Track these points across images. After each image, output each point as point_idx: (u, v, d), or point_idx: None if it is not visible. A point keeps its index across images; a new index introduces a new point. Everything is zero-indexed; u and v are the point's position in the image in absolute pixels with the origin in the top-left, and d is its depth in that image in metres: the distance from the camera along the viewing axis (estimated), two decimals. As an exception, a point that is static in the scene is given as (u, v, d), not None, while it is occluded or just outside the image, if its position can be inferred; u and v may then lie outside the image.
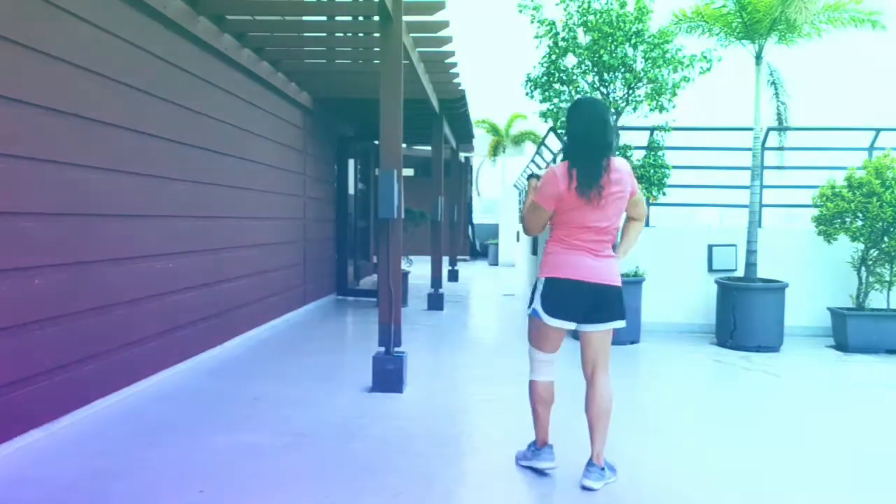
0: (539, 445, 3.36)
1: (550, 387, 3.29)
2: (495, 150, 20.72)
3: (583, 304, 3.12)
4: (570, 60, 6.68)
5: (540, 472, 3.30)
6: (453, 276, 12.92)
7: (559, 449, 3.36)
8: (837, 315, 6.75)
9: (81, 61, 3.91)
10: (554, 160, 9.41)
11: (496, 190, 20.79)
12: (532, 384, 3.33)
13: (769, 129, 7.45)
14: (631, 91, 6.65)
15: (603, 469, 3.15)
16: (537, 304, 3.18)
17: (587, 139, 3.09)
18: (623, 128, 6.99)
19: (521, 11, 6.69)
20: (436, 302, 9.07)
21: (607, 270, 3.12)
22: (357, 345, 6.67)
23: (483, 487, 3.20)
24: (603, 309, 3.13)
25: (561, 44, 6.61)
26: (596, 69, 6.60)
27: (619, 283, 3.17)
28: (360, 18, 6.58)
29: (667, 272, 7.43)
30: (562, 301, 3.13)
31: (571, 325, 3.18)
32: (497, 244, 18.71)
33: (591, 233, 3.09)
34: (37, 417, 3.63)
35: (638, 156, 6.89)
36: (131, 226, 4.53)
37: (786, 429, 4.22)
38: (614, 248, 3.26)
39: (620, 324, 3.20)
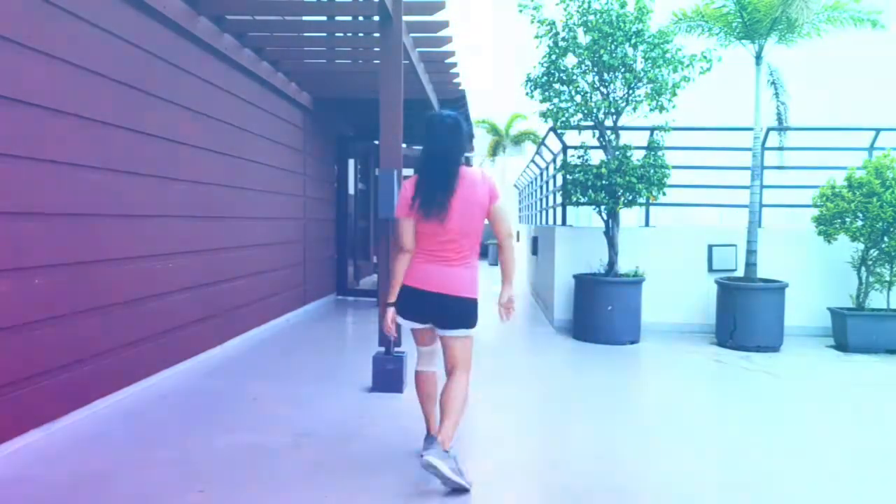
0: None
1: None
2: (495, 150, 20.75)
3: None
4: (570, 60, 6.68)
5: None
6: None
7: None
8: (837, 315, 6.75)
9: (81, 61, 3.91)
10: (554, 160, 9.40)
11: (496, 190, 20.77)
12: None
13: (769, 129, 7.45)
14: (631, 91, 6.65)
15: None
16: None
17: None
18: (623, 128, 6.99)
19: (521, 11, 6.69)
20: (436, 302, 9.04)
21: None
22: (357, 345, 6.67)
23: (483, 487, 3.20)
24: None
25: (561, 44, 6.61)
26: (596, 69, 6.60)
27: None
28: (360, 18, 6.59)
29: (667, 272, 7.43)
30: None
31: None
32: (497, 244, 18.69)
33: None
34: (37, 417, 3.63)
35: (638, 156, 6.89)
36: (131, 226, 4.53)
37: (786, 429, 4.21)
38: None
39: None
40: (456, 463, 3.06)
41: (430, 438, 3.32)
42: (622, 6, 6.44)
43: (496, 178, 20.00)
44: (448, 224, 3.14)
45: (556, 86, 6.76)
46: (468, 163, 22.24)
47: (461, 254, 3.21)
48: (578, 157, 7.08)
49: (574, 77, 6.69)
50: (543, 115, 6.89)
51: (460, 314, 3.19)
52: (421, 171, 3.22)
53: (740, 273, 7.16)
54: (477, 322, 3.27)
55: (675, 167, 6.97)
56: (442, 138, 3.20)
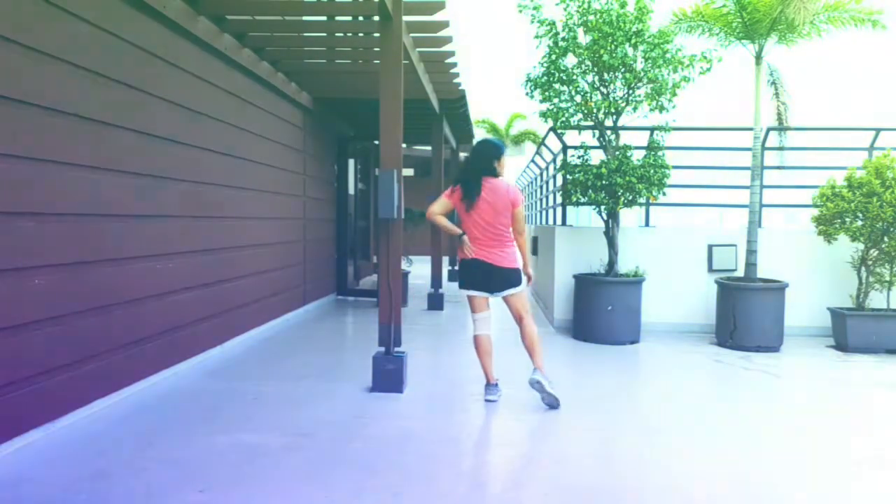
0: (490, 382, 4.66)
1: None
2: (495, 150, 20.73)
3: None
4: (570, 60, 6.68)
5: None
6: (453, 276, 12.92)
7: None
8: (837, 315, 6.75)
9: (81, 61, 3.91)
10: (554, 160, 9.41)
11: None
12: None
13: (769, 129, 7.45)
14: (631, 91, 6.65)
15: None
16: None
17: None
18: (623, 128, 6.99)
19: (521, 11, 6.69)
20: (436, 302, 9.07)
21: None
22: (357, 345, 6.67)
23: (483, 487, 3.20)
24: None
25: (561, 44, 6.61)
26: (596, 69, 6.60)
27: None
28: (360, 18, 6.59)
29: (667, 272, 7.43)
30: None
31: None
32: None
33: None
34: (37, 417, 3.63)
35: (638, 156, 6.89)
36: (131, 226, 4.52)
37: (785, 429, 4.21)
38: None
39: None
40: (549, 384, 4.40)
41: (489, 386, 4.62)
42: (622, 6, 6.44)
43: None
44: (474, 214, 4.43)
45: (556, 86, 6.76)
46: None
47: (496, 240, 4.47)
48: (578, 157, 7.08)
49: (574, 77, 6.68)
50: (543, 115, 6.89)
51: (506, 278, 4.48)
52: (462, 175, 4.61)
53: (740, 273, 7.15)
54: (521, 283, 4.55)
55: (675, 167, 6.97)
56: (474, 159, 4.58)
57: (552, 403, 4.38)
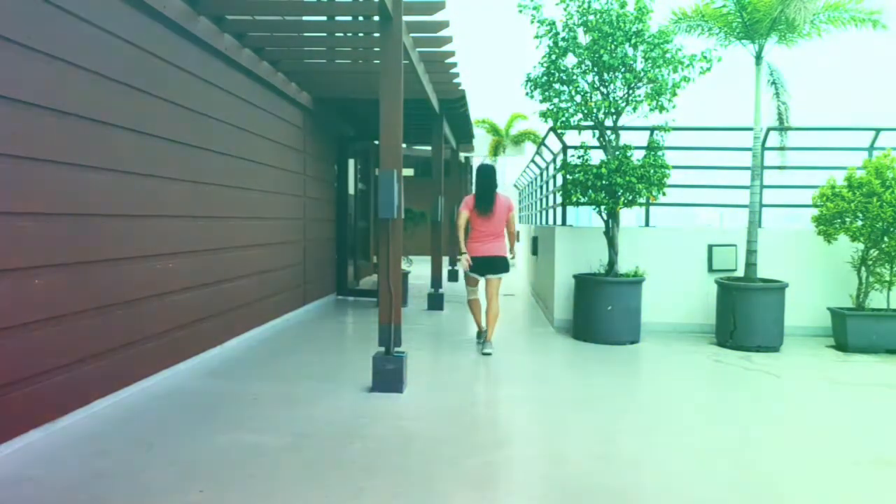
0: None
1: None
2: (495, 150, 20.76)
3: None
4: (570, 60, 6.68)
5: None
6: (453, 276, 12.93)
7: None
8: (837, 315, 6.75)
9: (81, 61, 3.91)
10: (554, 160, 9.41)
11: (496, 190, 20.75)
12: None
13: (769, 129, 7.45)
14: (631, 91, 6.65)
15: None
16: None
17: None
18: (623, 128, 6.99)
19: (521, 11, 6.69)
20: (436, 302, 9.07)
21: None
22: (357, 345, 6.67)
23: (483, 487, 3.20)
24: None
25: (561, 44, 6.61)
26: (596, 69, 6.60)
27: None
28: (360, 18, 6.58)
29: (667, 272, 7.43)
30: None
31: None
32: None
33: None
34: (37, 417, 3.64)
35: (638, 156, 6.89)
36: (131, 226, 4.53)
37: (785, 429, 4.22)
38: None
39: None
40: (493, 347, 6.23)
41: (481, 334, 6.52)
42: (622, 6, 6.44)
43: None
44: (489, 219, 6.13)
45: (556, 86, 6.76)
46: (468, 162, 22.38)
47: (495, 236, 6.17)
48: (578, 157, 7.08)
49: (574, 77, 6.68)
50: (543, 115, 6.89)
51: (499, 265, 6.19)
52: (477, 192, 6.19)
53: (740, 273, 7.15)
54: (506, 271, 6.25)
55: (675, 167, 6.96)
56: (487, 177, 6.24)
57: (489, 353, 6.11)
